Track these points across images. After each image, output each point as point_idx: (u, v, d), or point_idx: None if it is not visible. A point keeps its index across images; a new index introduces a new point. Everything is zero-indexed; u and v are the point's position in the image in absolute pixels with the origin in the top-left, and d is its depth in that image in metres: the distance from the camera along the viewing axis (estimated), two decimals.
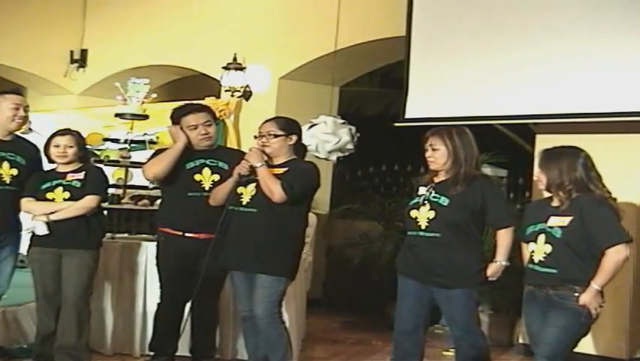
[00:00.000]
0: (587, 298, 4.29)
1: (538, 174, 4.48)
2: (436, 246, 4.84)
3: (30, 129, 5.81)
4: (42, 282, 5.46)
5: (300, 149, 5.27)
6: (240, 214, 5.07)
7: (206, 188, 5.39)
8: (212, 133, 5.54)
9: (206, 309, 5.57)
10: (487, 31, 7.27)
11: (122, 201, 6.58)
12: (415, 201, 4.99)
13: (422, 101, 7.62)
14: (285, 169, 5.06)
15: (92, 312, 5.62)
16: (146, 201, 7.21)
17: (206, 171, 5.42)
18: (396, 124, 7.73)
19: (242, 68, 8.82)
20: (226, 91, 8.98)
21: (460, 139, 4.91)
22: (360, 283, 8.02)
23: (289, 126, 5.19)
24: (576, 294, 4.31)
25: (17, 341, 5.93)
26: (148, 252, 6.08)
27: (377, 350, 7.00)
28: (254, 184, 5.07)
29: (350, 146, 5.44)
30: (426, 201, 4.91)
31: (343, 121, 5.98)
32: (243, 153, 5.25)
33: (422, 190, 4.99)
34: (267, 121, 5.23)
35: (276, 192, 4.94)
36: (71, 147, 5.48)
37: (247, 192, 5.08)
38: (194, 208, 5.31)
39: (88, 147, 5.85)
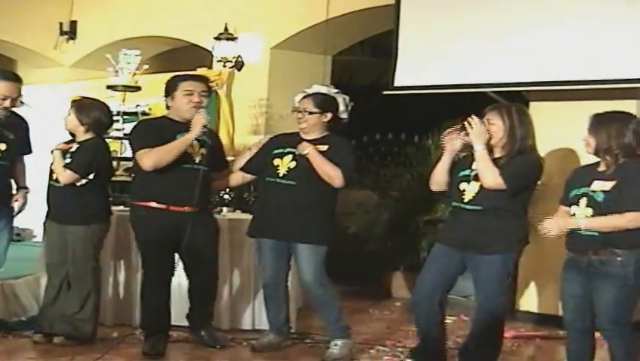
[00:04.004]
0: (559, 221, 4.40)
1: (586, 138, 4.46)
2: (478, 216, 4.91)
3: (21, 102, 5.78)
4: (48, 252, 5.62)
5: (337, 123, 5.55)
6: (278, 185, 5.41)
7: (197, 161, 5.34)
8: (204, 106, 5.42)
9: (204, 280, 5.57)
10: None
11: (117, 173, 6.57)
12: (467, 173, 4.98)
13: (412, 69, 7.61)
14: (327, 147, 5.37)
15: None
16: None
17: (195, 143, 5.32)
18: (386, 92, 7.73)
19: (233, 38, 8.78)
20: (218, 61, 8.95)
21: (519, 117, 4.92)
22: (356, 252, 8.06)
23: (325, 104, 5.50)
24: (619, 258, 4.30)
25: (16, 313, 5.96)
26: None
27: (374, 319, 7.05)
28: (291, 156, 5.40)
29: (344, 115, 5.50)
30: (477, 176, 4.91)
31: (337, 90, 6.00)
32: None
33: (475, 165, 4.95)
34: (305, 97, 5.55)
35: (336, 178, 5.31)
36: (68, 115, 5.54)
37: (284, 164, 5.42)
38: (184, 181, 5.25)
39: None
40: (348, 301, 7.25)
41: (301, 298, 6.42)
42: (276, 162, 5.47)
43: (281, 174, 5.43)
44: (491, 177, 4.81)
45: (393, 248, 8.26)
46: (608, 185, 4.33)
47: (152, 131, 5.39)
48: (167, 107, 5.49)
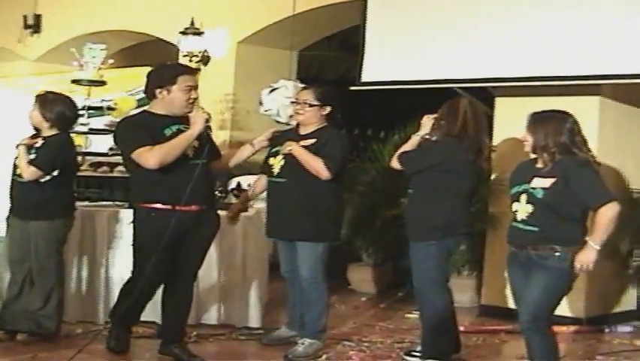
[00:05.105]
0: (582, 257, 4.36)
1: (525, 136, 4.56)
2: (410, 201, 5.30)
3: None
4: (11, 247, 5.56)
5: (335, 118, 5.52)
6: (273, 184, 5.47)
7: (190, 155, 4.98)
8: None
9: (183, 289, 5.22)
10: None
11: (82, 168, 6.52)
12: None
13: (379, 65, 7.63)
14: (313, 140, 5.35)
15: None
16: (105, 168, 7.17)
17: None
18: (352, 87, 7.74)
19: (200, 33, 8.73)
20: (184, 56, 8.90)
21: (448, 107, 5.24)
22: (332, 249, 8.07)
23: (325, 97, 5.47)
24: (557, 253, 4.38)
25: None
26: (110, 219, 6.07)
27: (340, 314, 7.06)
28: (282, 154, 5.40)
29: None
30: None
31: (304, 85, 6.03)
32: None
33: None
34: (305, 89, 5.61)
35: (320, 170, 5.27)
36: (32, 110, 5.49)
37: (276, 163, 5.44)
38: (182, 179, 4.87)
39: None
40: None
41: (267, 294, 6.41)
42: (271, 160, 5.50)
43: (275, 173, 5.46)
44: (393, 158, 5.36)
45: (358, 243, 8.27)
46: (547, 182, 4.42)
47: (141, 129, 4.99)
48: (153, 97, 5.09)
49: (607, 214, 4.33)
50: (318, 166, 5.27)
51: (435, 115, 5.30)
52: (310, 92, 5.49)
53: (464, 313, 6.18)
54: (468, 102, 5.31)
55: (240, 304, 6.19)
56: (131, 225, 5.15)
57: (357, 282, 8.40)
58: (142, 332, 5.66)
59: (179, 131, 4.97)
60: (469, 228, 5.40)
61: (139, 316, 5.36)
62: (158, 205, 4.95)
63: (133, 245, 5.15)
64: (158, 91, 5.04)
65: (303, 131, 5.50)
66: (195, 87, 5.11)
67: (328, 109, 5.46)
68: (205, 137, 5.06)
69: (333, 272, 8.04)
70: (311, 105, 5.43)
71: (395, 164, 5.35)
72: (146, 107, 5.27)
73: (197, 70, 5.43)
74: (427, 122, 5.30)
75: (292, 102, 5.70)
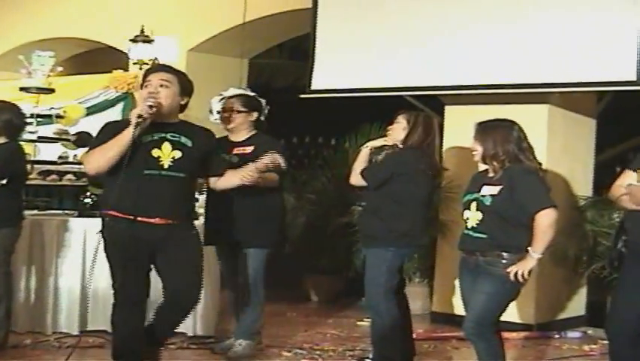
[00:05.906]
0: (520, 264, 4.39)
1: (473, 145, 4.61)
2: (368, 209, 5.37)
3: None
4: None
5: (261, 124, 5.70)
6: (218, 193, 5.31)
7: (165, 166, 4.50)
8: (163, 98, 4.51)
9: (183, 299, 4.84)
10: (394, 3, 7.33)
11: (30, 176, 6.43)
12: None
13: (329, 73, 7.66)
14: (252, 148, 5.44)
15: None
16: (54, 176, 7.08)
17: (166, 146, 4.52)
18: (303, 96, 7.76)
19: (150, 41, 8.68)
20: (134, 64, 8.84)
21: (424, 124, 5.26)
22: (274, 255, 8.05)
23: (251, 104, 5.66)
24: (504, 261, 4.42)
25: None
26: (59, 228, 6.00)
27: (292, 322, 7.06)
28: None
29: (261, 118, 5.62)
30: None
31: (253, 94, 6.03)
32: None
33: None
34: (231, 97, 5.71)
35: (276, 181, 5.42)
36: None
37: None
38: (150, 189, 4.48)
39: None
40: (266, 304, 7.24)
41: (219, 303, 6.38)
42: None
43: None
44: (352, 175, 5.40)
45: (309, 251, 8.27)
46: (495, 189, 4.48)
47: (109, 132, 4.52)
48: None
49: (543, 221, 4.38)
50: (274, 177, 5.37)
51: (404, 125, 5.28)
52: (237, 100, 5.66)
53: (416, 320, 6.17)
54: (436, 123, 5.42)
55: (192, 312, 6.14)
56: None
57: (308, 289, 8.40)
58: (92, 342, 5.60)
59: (163, 139, 4.54)
60: (426, 239, 5.45)
61: (132, 343, 4.65)
62: (116, 213, 4.49)
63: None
64: None
65: (235, 138, 5.61)
66: (156, 82, 4.55)
67: (255, 114, 5.64)
68: (190, 148, 4.62)
69: (284, 280, 8.06)
70: (239, 112, 5.58)
71: (357, 181, 5.34)
72: None
73: (173, 69, 4.75)
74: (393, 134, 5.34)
75: (219, 112, 5.73)
